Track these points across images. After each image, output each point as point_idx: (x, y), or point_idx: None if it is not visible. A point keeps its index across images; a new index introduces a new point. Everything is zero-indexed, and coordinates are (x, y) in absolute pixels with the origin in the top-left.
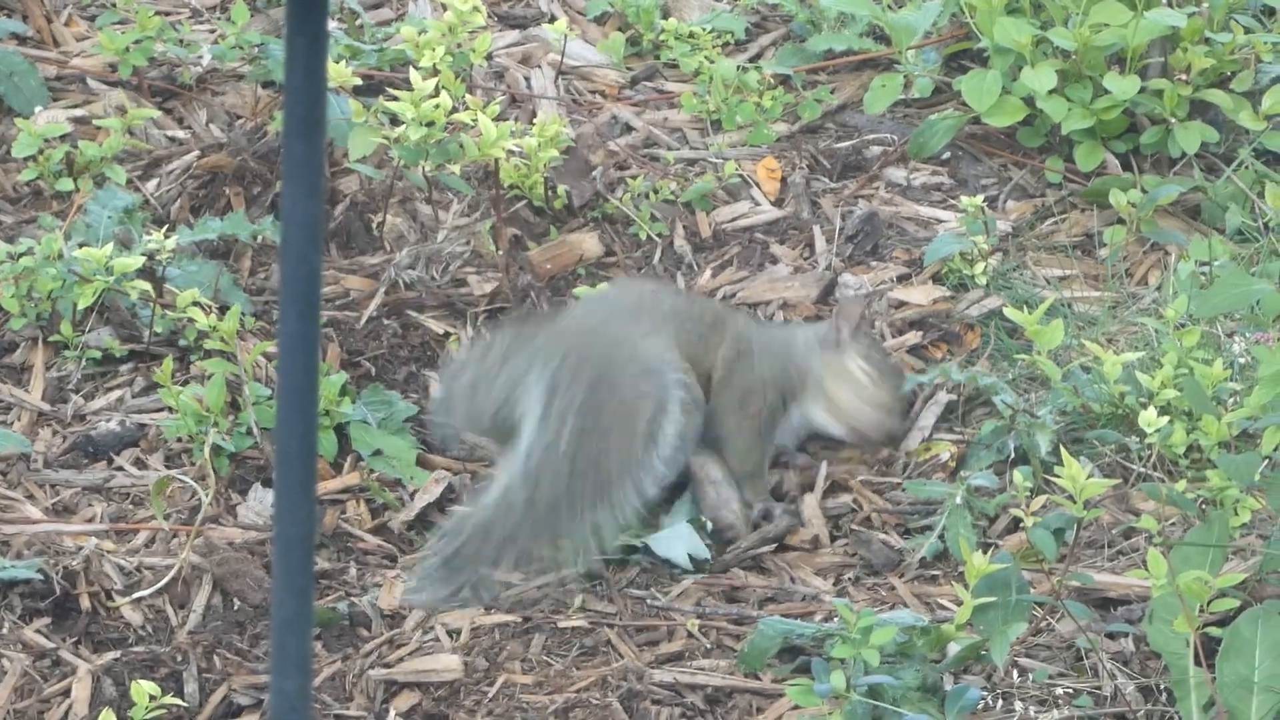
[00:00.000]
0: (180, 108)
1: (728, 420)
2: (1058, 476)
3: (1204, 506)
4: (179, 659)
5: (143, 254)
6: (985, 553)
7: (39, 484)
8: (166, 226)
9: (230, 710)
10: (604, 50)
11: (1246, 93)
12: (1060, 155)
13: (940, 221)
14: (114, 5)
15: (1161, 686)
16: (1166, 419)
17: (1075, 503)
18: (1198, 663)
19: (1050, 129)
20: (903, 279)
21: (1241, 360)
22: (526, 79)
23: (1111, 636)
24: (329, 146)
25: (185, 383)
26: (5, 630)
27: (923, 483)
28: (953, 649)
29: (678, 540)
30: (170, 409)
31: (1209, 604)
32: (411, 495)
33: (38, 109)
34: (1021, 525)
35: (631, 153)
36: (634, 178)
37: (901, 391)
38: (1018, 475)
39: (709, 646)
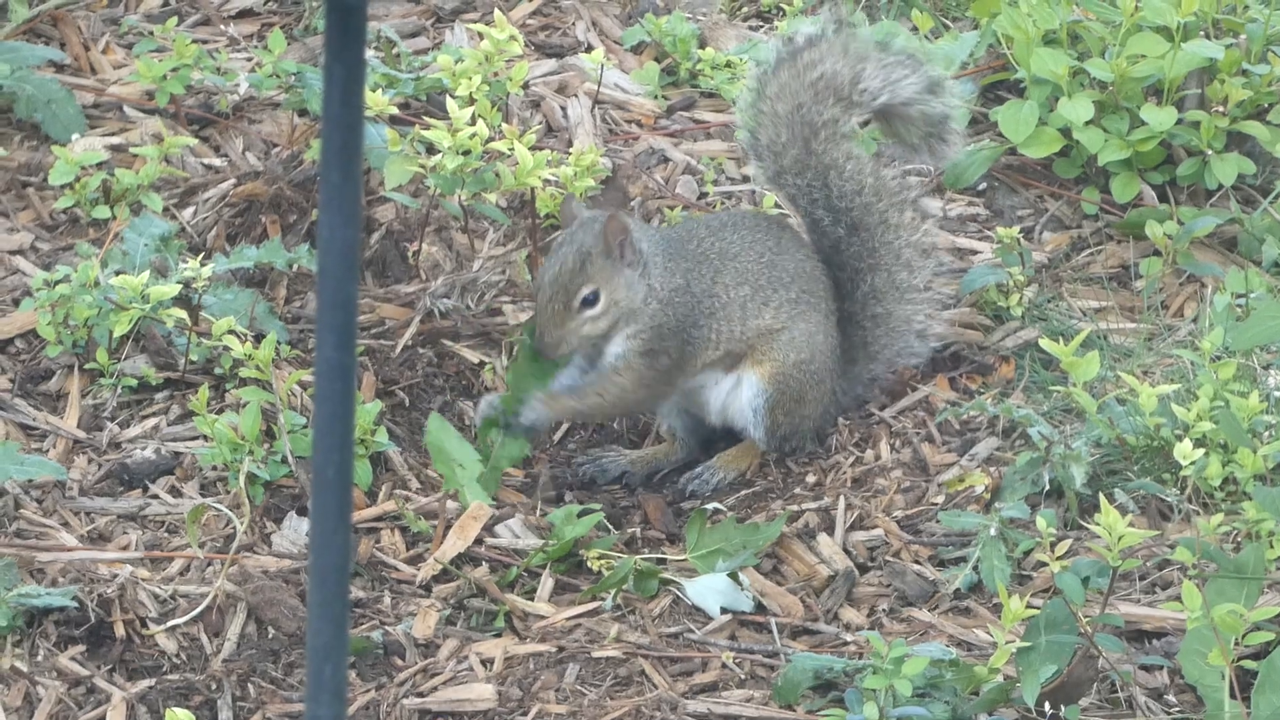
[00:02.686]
0: (217, 135)
1: None
2: (1095, 521)
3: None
4: (213, 687)
5: (179, 282)
6: (1021, 584)
7: (74, 512)
8: (202, 254)
9: None
10: (640, 80)
11: None
12: (1096, 186)
13: (976, 252)
14: (151, 33)
15: None
16: (1202, 451)
17: (1111, 551)
18: (1233, 696)
19: (1087, 160)
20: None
21: (1277, 393)
22: (563, 108)
23: (1146, 669)
24: (365, 175)
25: (220, 411)
26: (40, 658)
27: (957, 514)
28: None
29: (713, 591)
30: (205, 437)
31: (1244, 637)
32: (447, 527)
33: (75, 136)
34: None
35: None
36: (672, 208)
37: None
38: (1040, 521)
39: (743, 678)
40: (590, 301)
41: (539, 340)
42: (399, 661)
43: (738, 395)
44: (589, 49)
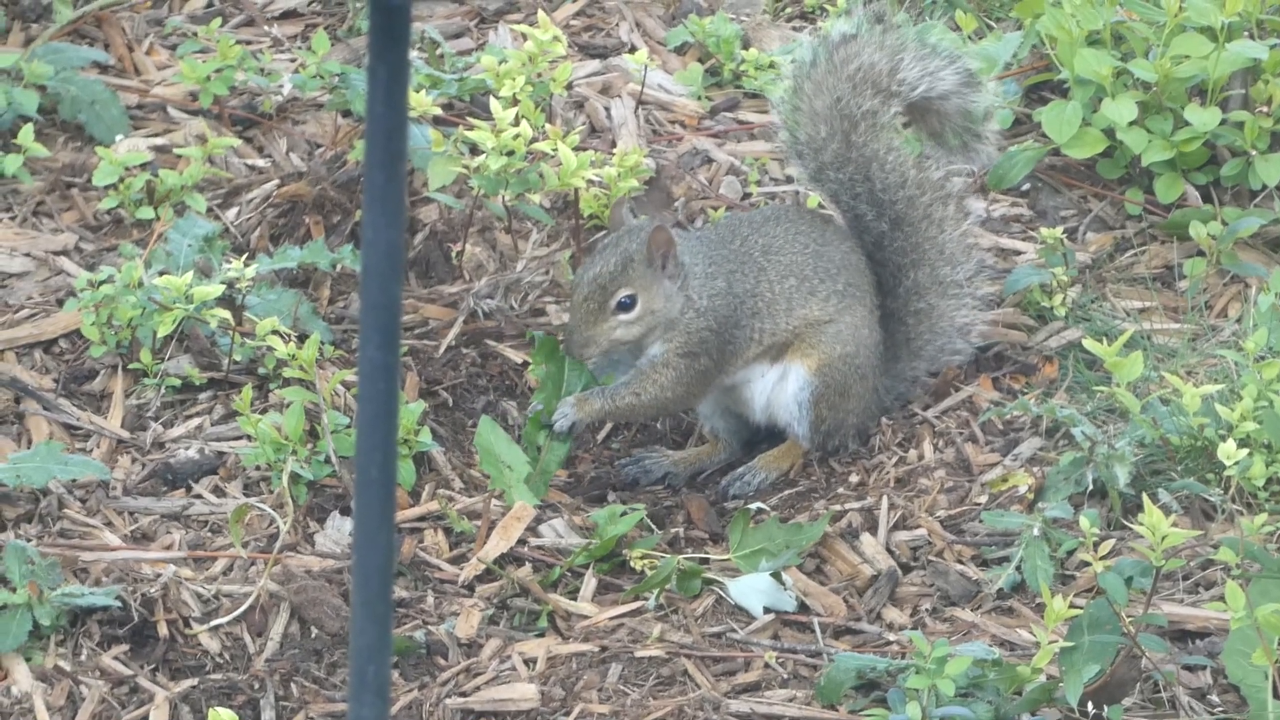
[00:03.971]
0: (260, 136)
1: None
2: (1138, 521)
3: None
4: (256, 687)
5: (222, 282)
6: (1064, 584)
7: (118, 511)
8: (246, 255)
9: None
10: (683, 80)
11: None
12: (1140, 187)
13: (1019, 253)
14: (195, 34)
15: None
16: (1246, 452)
17: (1155, 551)
18: (1276, 696)
19: (1130, 161)
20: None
21: None
22: (606, 109)
23: (1189, 669)
24: (409, 176)
25: (264, 411)
26: (84, 657)
27: (1000, 514)
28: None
29: (756, 591)
30: (249, 437)
31: None
32: (490, 527)
33: (119, 137)
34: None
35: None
36: (715, 209)
37: None
38: (1084, 520)
39: (785, 677)
40: (626, 306)
41: (568, 338)
42: (442, 661)
43: (783, 388)
44: (632, 50)
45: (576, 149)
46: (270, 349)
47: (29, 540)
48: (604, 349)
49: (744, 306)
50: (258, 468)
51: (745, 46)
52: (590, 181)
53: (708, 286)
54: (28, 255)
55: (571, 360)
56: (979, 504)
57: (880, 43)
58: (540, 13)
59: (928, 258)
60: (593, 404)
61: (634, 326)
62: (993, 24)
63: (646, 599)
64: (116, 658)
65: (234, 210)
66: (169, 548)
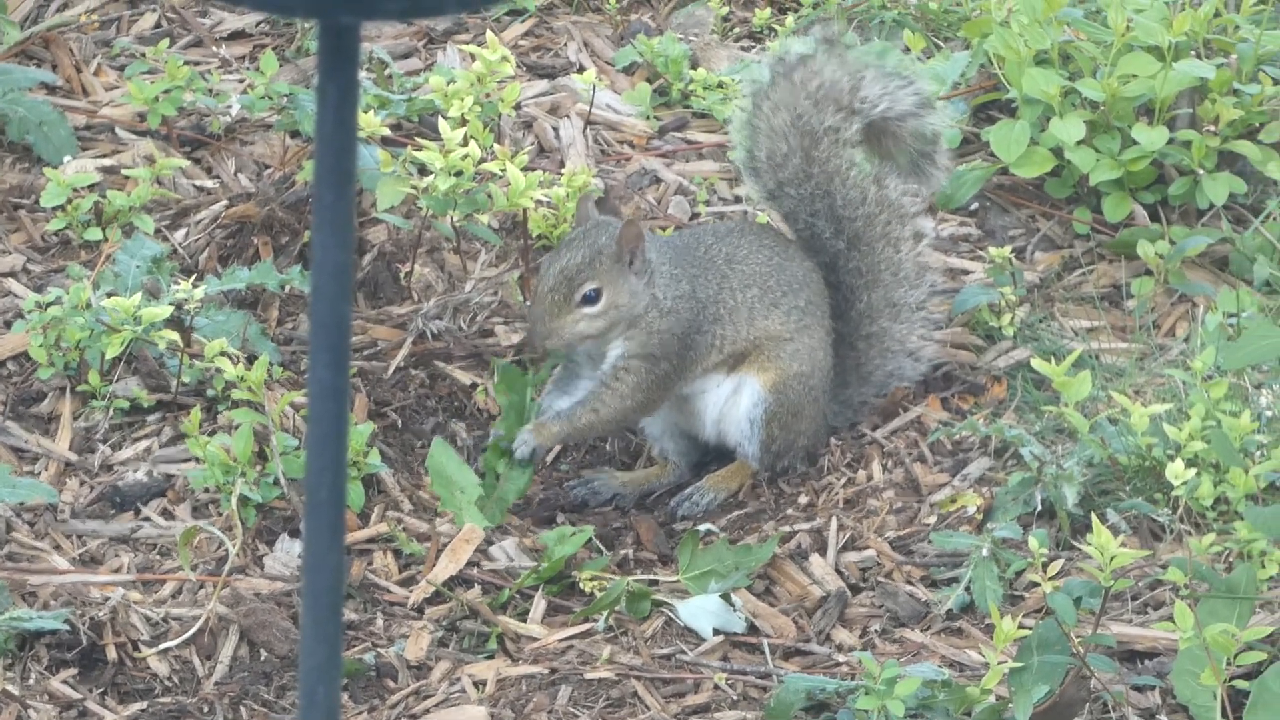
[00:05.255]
0: (209, 157)
1: None
2: (1087, 541)
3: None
4: (205, 710)
5: (171, 303)
6: (1013, 605)
7: (66, 534)
8: (194, 276)
9: None
10: (632, 100)
11: (1275, 144)
12: (1088, 206)
13: (968, 272)
14: (143, 55)
15: None
16: (1194, 471)
17: (1103, 571)
18: (1225, 716)
19: (1078, 180)
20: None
21: (1269, 412)
22: (555, 129)
23: (1138, 689)
24: (357, 196)
25: (213, 433)
26: (32, 681)
27: (949, 534)
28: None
29: (705, 613)
30: (197, 459)
31: (1236, 657)
32: (439, 549)
33: (66, 158)
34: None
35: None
36: (664, 229)
37: None
38: (1033, 541)
39: (735, 699)
40: (591, 299)
41: (531, 329)
42: (391, 683)
43: (736, 404)
44: (581, 70)
45: (525, 169)
46: (219, 370)
47: None
48: (566, 342)
49: (706, 312)
50: (206, 490)
51: (694, 66)
52: (539, 202)
53: (673, 288)
54: None
55: (533, 385)
56: (928, 524)
57: (840, 61)
58: (489, 33)
59: (882, 280)
60: (550, 429)
61: (598, 320)
62: (940, 43)
63: (596, 621)
64: (65, 681)
65: (182, 231)
66: (118, 571)
